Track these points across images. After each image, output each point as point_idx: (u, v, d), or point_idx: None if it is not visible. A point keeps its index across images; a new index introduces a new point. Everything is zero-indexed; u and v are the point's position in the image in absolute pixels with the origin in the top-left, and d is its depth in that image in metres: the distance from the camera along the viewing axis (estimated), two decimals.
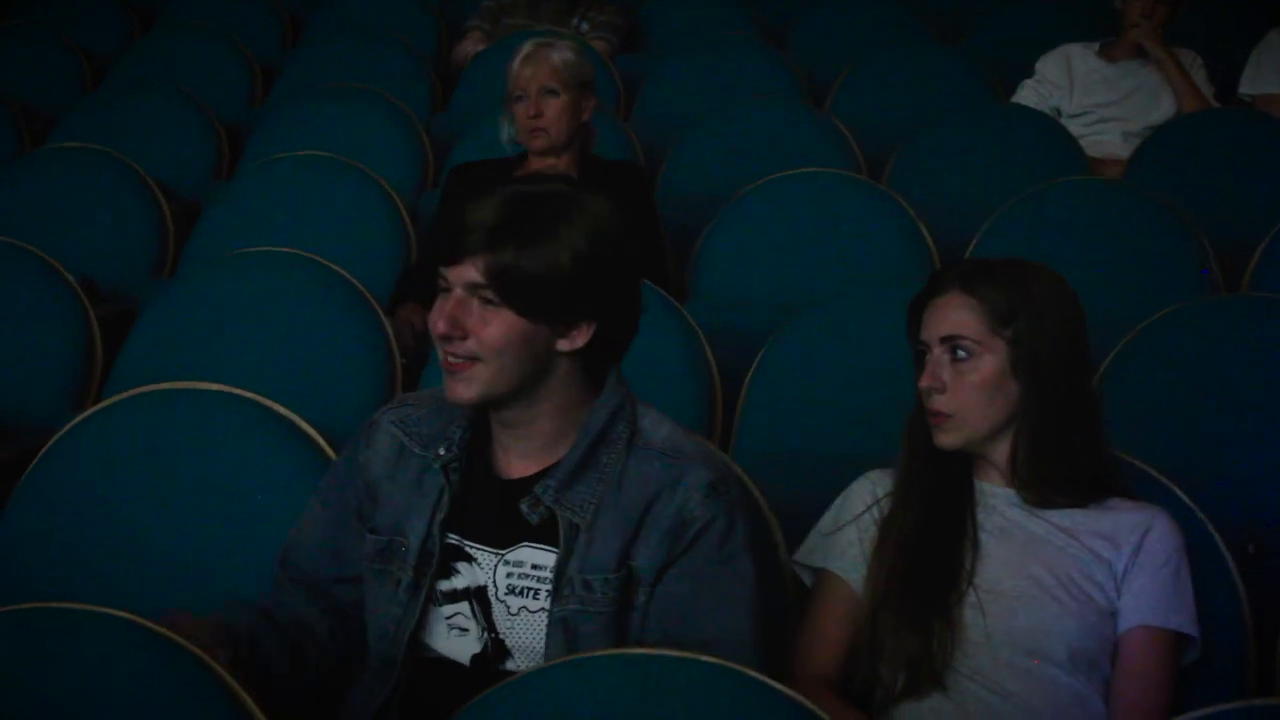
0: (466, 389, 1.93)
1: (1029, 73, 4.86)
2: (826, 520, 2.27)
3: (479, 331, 1.91)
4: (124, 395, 2.51)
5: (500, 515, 2.00)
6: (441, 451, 2.02)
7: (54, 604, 1.81)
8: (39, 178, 4.13)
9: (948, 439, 2.16)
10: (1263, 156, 4.29)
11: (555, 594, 1.95)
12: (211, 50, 5.45)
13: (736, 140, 4.47)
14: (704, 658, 1.72)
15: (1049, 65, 4.83)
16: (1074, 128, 4.63)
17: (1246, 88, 4.79)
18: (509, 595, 1.99)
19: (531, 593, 1.98)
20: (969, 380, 2.14)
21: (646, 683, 1.70)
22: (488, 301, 1.91)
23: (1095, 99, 4.74)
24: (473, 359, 1.92)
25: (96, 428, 2.47)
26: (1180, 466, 2.51)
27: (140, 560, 2.38)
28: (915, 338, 2.21)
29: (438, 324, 1.93)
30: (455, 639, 2.01)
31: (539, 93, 3.57)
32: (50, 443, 2.48)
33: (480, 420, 2.05)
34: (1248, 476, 2.84)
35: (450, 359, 1.93)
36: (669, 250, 3.73)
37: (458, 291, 1.92)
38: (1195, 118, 4.52)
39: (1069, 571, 2.13)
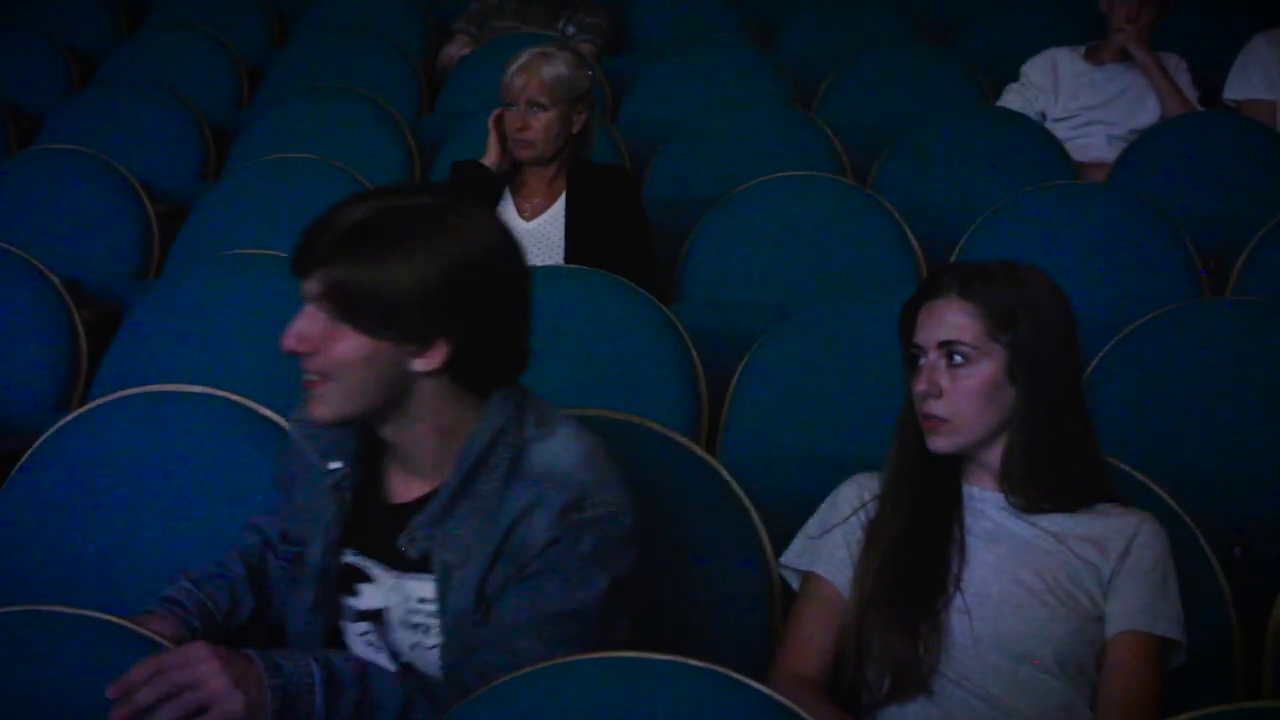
0: (319, 408, 1.86)
1: (1016, 75, 4.87)
2: (813, 523, 2.27)
3: (325, 348, 1.82)
4: (109, 398, 2.50)
5: (391, 540, 1.91)
6: (334, 466, 1.96)
7: (39, 606, 1.81)
8: (25, 179, 4.13)
9: (942, 443, 2.14)
10: (1247, 161, 4.30)
11: (445, 634, 1.88)
12: (199, 50, 5.45)
13: (723, 143, 4.47)
14: (691, 661, 1.71)
15: (1034, 69, 4.84)
16: (1059, 131, 4.63)
17: (1231, 92, 4.79)
18: (404, 629, 1.93)
19: (423, 628, 1.91)
20: (965, 385, 2.12)
21: (631, 686, 1.69)
22: (332, 316, 1.83)
23: (1080, 102, 4.74)
24: (324, 376, 1.84)
25: (82, 430, 2.46)
26: (1166, 470, 2.52)
27: (125, 563, 2.37)
28: (909, 340, 2.18)
29: (284, 339, 1.84)
30: (374, 654, 1.95)
31: (527, 105, 3.57)
32: (35, 445, 2.47)
33: (370, 434, 1.95)
34: (1233, 480, 2.85)
35: (305, 376, 1.86)
36: (656, 253, 3.72)
37: (308, 306, 1.84)
38: (1180, 122, 4.53)
39: (1056, 576, 2.12)
